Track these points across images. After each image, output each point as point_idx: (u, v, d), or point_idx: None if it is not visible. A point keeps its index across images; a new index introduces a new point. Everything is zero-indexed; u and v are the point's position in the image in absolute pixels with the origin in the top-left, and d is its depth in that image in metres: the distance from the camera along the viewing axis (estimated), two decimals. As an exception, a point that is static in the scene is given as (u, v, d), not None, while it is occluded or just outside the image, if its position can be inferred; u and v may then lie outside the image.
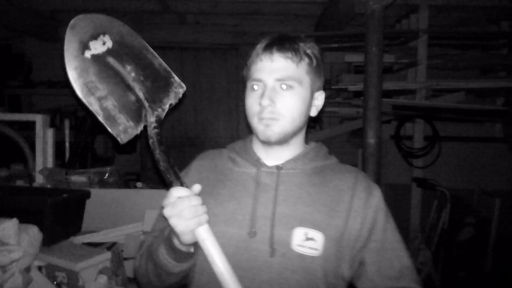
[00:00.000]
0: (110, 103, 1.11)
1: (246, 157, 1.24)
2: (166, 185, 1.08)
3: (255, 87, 1.16)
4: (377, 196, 1.17)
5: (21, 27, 4.20)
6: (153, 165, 1.28)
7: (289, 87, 1.14)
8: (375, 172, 2.71)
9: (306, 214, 1.13)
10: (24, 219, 1.60)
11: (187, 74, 5.04)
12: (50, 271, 1.67)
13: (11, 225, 1.49)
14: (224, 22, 4.69)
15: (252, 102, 1.16)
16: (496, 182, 4.04)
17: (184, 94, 1.18)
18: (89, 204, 2.15)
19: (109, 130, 1.12)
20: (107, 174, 2.40)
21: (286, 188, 1.17)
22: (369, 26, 2.62)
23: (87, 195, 2.12)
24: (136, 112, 1.13)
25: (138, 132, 1.14)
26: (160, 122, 1.13)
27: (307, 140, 1.26)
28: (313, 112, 1.22)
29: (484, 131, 4.29)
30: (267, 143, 1.17)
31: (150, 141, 1.11)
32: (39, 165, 2.38)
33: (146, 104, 1.12)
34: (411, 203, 3.94)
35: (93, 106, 1.10)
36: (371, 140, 2.68)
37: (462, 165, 4.20)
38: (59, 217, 1.80)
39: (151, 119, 1.12)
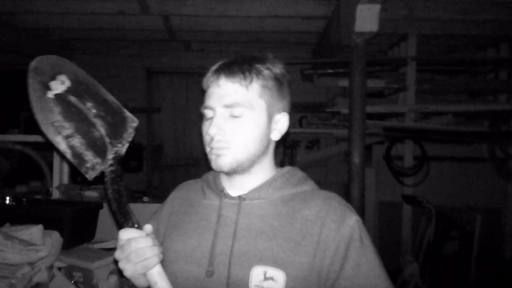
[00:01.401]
0: (77, 141, 1.12)
1: (213, 187, 1.18)
2: (119, 227, 1.05)
3: (207, 115, 1.11)
4: (350, 226, 1.05)
5: (37, 54, 4.54)
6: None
7: (239, 114, 1.07)
8: (360, 189, 2.99)
9: (267, 250, 1.03)
10: (48, 226, 1.88)
11: (192, 98, 5.37)
12: (68, 272, 1.96)
13: (37, 230, 1.79)
14: (227, 49, 5.02)
15: (204, 130, 1.12)
16: (482, 199, 4.29)
17: (136, 129, 1.15)
18: (101, 215, 2.43)
19: (78, 168, 1.13)
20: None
21: (247, 222, 1.08)
22: (353, 57, 2.94)
23: (101, 206, 2.41)
24: (102, 148, 1.13)
25: (106, 167, 1.12)
26: (118, 159, 1.12)
27: (282, 165, 1.21)
28: (275, 136, 1.14)
29: (472, 152, 4.54)
30: (221, 172, 1.11)
31: (105, 179, 1.10)
32: (56, 182, 2.69)
33: (107, 140, 1.12)
34: (402, 219, 4.19)
35: (61, 145, 1.11)
36: (356, 159, 2.96)
37: (450, 183, 4.45)
38: (77, 225, 2.10)
39: (109, 156, 1.11)
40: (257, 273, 1.01)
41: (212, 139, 1.06)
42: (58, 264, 1.96)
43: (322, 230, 1.03)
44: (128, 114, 1.14)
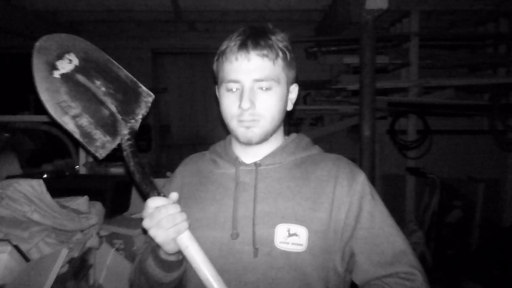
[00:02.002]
0: (85, 120, 1.11)
1: (225, 157, 1.23)
2: (144, 197, 1.07)
3: (233, 88, 1.13)
4: (360, 182, 1.14)
5: (41, 35, 4.59)
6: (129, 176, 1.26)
7: (268, 87, 1.12)
8: (370, 161, 3.15)
9: (288, 209, 1.11)
10: (91, 198, 2.03)
11: (197, 78, 5.47)
12: (109, 239, 2.11)
13: (83, 200, 1.93)
14: (231, 28, 5.07)
15: (230, 104, 1.14)
16: (483, 170, 4.48)
17: (153, 102, 1.16)
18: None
19: (87, 147, 1.12)
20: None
21: (265, 185, 1.15)
22: (363, 33, 3.07)
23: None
24: (112, 126, 1.13)
25: (116, 145, 1.14)
26: (134, 134, 1.13)
27: (287, 133, 1.27)
28: (289, 107, 1.22)
29: (473, 124, 4.71)
30: (245, 144, 1.16)
31: (124, 153, 1.11)
32: (82, 159, 2.82)
33: (119, 117, 1.12)
34: (406, 191, 4.37)
35: (69, 125, 1.10)
36: (366, 133, 3.12)
37: (452, 155, 4.63)
38: (116, 196, 2.25)
39: (124, 131, 1.12)
40: (281, 230, 1.08)
41: (242, 112, 1.11)
42: (100, 232, 2.11)
43: (336, 187, 1.12)
44: (143, 89, 1.16)
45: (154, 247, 1.10)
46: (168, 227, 0.99)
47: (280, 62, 1.13)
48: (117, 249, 2.07)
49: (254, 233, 1.09)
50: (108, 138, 1.12)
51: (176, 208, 1.01)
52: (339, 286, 1.13)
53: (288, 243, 1.07)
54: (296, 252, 1.06)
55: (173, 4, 4.10)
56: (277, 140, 1.21)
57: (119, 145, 1.12)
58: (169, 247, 1.03)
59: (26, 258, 1.49)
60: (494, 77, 4.57)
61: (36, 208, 1.59)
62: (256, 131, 1.12)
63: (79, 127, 1.11)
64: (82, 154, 2.81)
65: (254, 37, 1.11)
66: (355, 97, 4.42)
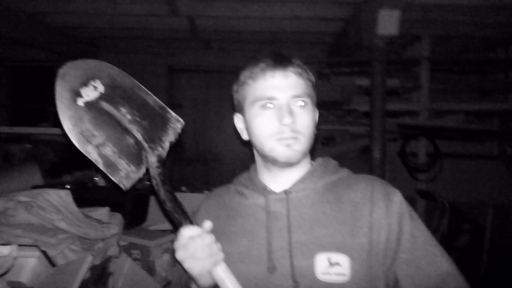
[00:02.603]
0: (109, 150, 1.08)
1: (253, 187, 1.19)
2: (175, 227, 1.05)
3: (269, 105, 1.10)
4: (398, 202, 1.09)
5: (65, 51, 4.78)
6: (159, 205, 1.27)
7: (305, 104, 1.11)
8: (380, 182, 3.24)
9: (326, 237, 1.05)
10: (111, 209, 2.15)
11: (212, 95, 5.63)
12: (127, 249, 2.22)
13: (105, 211, 2.06)
14: (245, 48, 5.27)
15: (266, 122, 1.10)
16: (492, 195, 4.54)
17: (183, 129, 1.13)
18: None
19: (111, 177, 1.09)
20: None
21: (299, 213, 1.10)
22: (374, 58, 3.20)
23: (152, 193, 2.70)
24: (136, 155, 1.10)
25: (141, 175, 1.12)
26: (162, 162, 1.11)
27: (313, 157, 1.24)
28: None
29: (483, 149, 4.78)
30: (284, 165, 1.12)
31: (154, 182, 1.08)
32: (162, 169, 2.94)
33: (146, 145, 1.09)
34: (416, 213, 4.44)
35: (92, 154, 1.07)
36: (376, 154, 3.23)
37: (462, 179, 4.70)
38: (135, 208, 2.38)
39: (152, 159, 1.09)
40: (321, 260, 1.02)
41: (282, 130, 1.07)
42: (119, 242, 2.22)
43: (373, 210, 1.07)
44: (172, 114, 1.13)
45: (187, 282, 1.09)
46: (204, 258, 0.96)
47: (310, 82, 1.15)
48: (134, 259, 2.18)
49: (292, 265, 1.04)
50: (132, 168, 1.10)
51: (211, 238, 0.99)
52: None
53: (330, 274, 1.01)
54: (340, 283, 1.00)
55: (190, 24, 4.27)
56: (305, 165, 1.18)
57: (147, 173, 1.10)
58: (204, 280, 1.00)
59: (53, 264, 1.61)
60: (504, 102, 4.67)
61: (63, 217, 1.71)
62: (297, 149, 1.09)
63: (103, 156, 1.08)
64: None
65: (288, 57, 1.13)
66: (366, 118, 4.53)
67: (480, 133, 4.52)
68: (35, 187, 2.20)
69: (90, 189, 2.57)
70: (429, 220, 4.28)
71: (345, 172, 1.20)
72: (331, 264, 1.02)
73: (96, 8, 3.86)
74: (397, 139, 4.74)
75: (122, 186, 1.10)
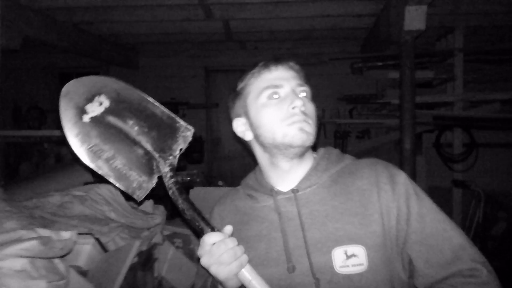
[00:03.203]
0: (119, 162, 1.09)
1: (260, 189, 1.21)
2: (196, 234, 1.19)
3: (275, 95, 1.13)
4: (402, 183, 1.12)
5: (106, 57, 5.06)
6: (179, 214, 1.25)
7: (308, 92, 1.17)
8: (411, 173, 3.32)
9: (339, 230, 1.08)
10: (154, 201, 2.37)
11: (247, 93, 5.83)
12: (170, 238, 2.44)
13: (149, 203, 2.29)
14: (279, 46, 5.42)
15: (275, 110, 1.12)
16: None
17: (193, 136, 1.14)
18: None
19: (124, 189, 1.11)
20: (195, 175, 3.19)
21: (309, 210, 1.13)
22: (403, 52, 3.28)
23: (191, 186, 2.95)
24: (147, 166, 1.11)
25: (154, 184, 1.13)
26: (174, 170, 1.12)
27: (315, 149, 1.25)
28: None
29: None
30: (298, 151, 1.13)
31: (170, 192, 1.09)
32: (176, 177, 3.18)
33: (156, 155, 1.11)
34: (452, 203, 4.48)
35: (103, 169, 1.08)
36: (407, 145, 3.32)
37: (497, 168, 4.69)
38: (175, 200, 2.60)
39: (165, 169, 1.10)
40: (338, 254, 1.05)
41: (293, 113, 1.10)
42: (163, 231, 2.44)
43: (380, 195, 1.10)
44: (181, 123, 1.14)
45: (212, 287, 1.11)
46: (230, 262, 0.98)
47: (308, 83, 1.19)
48: (176, 247, 2.40)
49: (311, 262, 1.07)
50: (144, 178, 1.11)
51: (234, 242, 1.00)
52: None
53: (348, 265, 1.04)
54: (358, 273, 1.04)
55: (224, 26, 4.47)
56: (309, 160, 1.20)
57: (162, 183, 1.11)
58: (231, 283, 1.02)
59: (105, 249, 1.83)
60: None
61: (113, 208, 1.94)
62: (310, 131, 1.11)
63: (114, 170, 1.09)
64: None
65: (284, 58, 1.18)
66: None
67: (517, 122, 4.49)
68: (87, 183, 2.45)
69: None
70: (465, 209, 4.31)
71: (348, 160, 1.22)
72: (348, 256, 1.05)
73: (136, 16, 4.11)
74: (433, 130, 4.79)
75: (135, 197, 1.12)
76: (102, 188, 1.99)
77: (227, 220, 1.22)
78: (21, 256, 1.16)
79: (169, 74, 5.61)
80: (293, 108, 1.10)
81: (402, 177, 1.13)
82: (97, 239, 1.80)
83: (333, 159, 1.21)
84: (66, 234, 1.40)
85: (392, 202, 1.09)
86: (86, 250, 1.77)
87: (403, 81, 3.29)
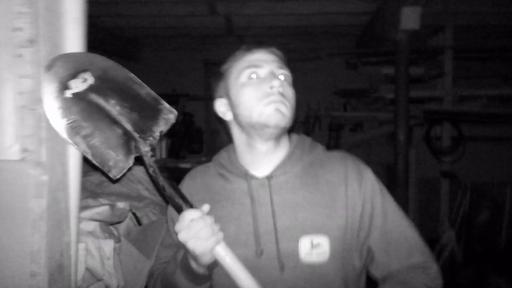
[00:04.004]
0: (97, 140, 1.10)
1: (234, 170, 1.23)
2: (177, 210, 1.10)
3: (253, 75, 1.16)
4: (369, 179, 1.20)
5: (110, 49, 5.21)
6: (158, 192, 1.29)
7: (287, 76, 1.20)
8: (404, 164, 3.63)
9: (307, 220, 1.14)
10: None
11: (244, 86, 6.07)
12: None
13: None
14: (276, 41, 5.67)
15: (254, 88, 1.15)
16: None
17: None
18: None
19: (100, 167, 1.12)
20: (202, 162, 3.45)
21: (281, 198, 1.17)
22: (398, 50, 3.57)
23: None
24: (124, 145, 1.12)
25: (131, 164, 1.14)
26: (154, 150, 1.14)
27: (328, 147, 1.30)
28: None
29: (504, 132, 5.10)
30: (273, 131, 1.15)
31: (150, 170, 1.12)
32: (156, 156, 3.43)
33: (136, 135, 1.12)
34: (440, 193, 4.82)
35: (80, 145, 1.09)
36: (401, 138, 3.61)
37: (484, 160, 5.04)
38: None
39: (145, 148, 1.12)
40: (304, 243, 1.12)
41: (270, 93, 1.13)
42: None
43: (347, 190, 1.17)
44: (164, 106, 1.17)
45: (183, 261, 1.15)
46: (207, 237, 1.03)
47: (288, 69, 1.23)
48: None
49: (278, 249, 1.13)
50: (121, 157, 1.12)
51: (211, 219, 1.05)
52: (357, 279, 1.20)
53: (312, 254, 1.12)
54: (320, 262, 1.12)
55: (226, 21, 4.70)
56: (284, 147, 1.24)
57: (143, 163, 1.14)
58: (206, 258, 1.07)
59: (139, 222, 2.08)
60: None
61: (146, 187, 2.19)
62: (285, 112, 1.14)
63: (91, 147, 1.10)
64: (156, 152, 3.44)
65: (267, 44, 1.23)
66: (392, 105, 4.89)
67: (502, 117, 4.80)
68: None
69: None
70: (452, 198, 4.65)
71: (319, 149, 1.27)
72: (313, 246, 1.12)
73: (142, 11, 4.33)
74: (423, 124, 5.10)
75: (111, 175, 1.13)
76: (136, 170, 2.23)
77: (197, 197, 1.22)
78: (93, 220, 1.42)
79: (170, 67, 5.85)
80: (271, 88, 1.13)
81: (369, 174, 1.21)
82: (134, 214, 2.04)
83: (306, 149, 1.26)
84: (121, 204, 1.65)
85: (358, 198, 1.17)
86: (124, 225, 2.01)
87: (398, 77, 3.59)
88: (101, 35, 4.91)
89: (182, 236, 1.04)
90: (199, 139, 5.69)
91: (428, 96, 4.91)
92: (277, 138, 1.19)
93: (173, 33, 5.17)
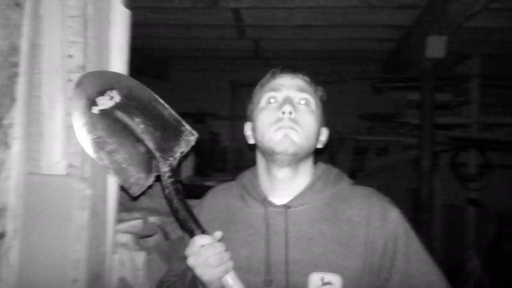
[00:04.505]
0: (120, 157, 1.13)
1: (254, 194, 1.22)
2: (188, 234, 1.10)
3: (272, 100, 1.16)
4: (393, 221, 1.13)
5: (141, 68, 5.39)
6: (172, 213, 1.30)
7: (308, 102, 1.17)
8: (429, 190, 3.64)
9: (321, 256, 1.09)
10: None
11: (269, 108, 6.19)
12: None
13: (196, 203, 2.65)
14: (303, 64, 5.77)
15: (268, 114, 1.15)
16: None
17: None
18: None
19: (120, 183, 1.15)
20: (226, 181, 3.55)
21: (297, 229, 1.14)
22: (423, 76, 3.63)
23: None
24: (146, 163, 1.14)
25: (150, 182, 1.16)
26: (173, 171, 1.14)
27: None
28: (319, 144, 1.24)
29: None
30: (281, 158, 1.13)
31: (166, 191, 1.12)
32: (183, 174, 3.56)
33: (157, 155, 1.14)
34: (466, 220, 4.79)
35: (103, 161, 1.12)
36: (426, 163, 3.63)
37: (510, 188, 4.98)
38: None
39: (164, 169, 1.13)
40: (314, 279, 1.08)
41: (281, 118, 1.12)
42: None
43: (368, 230, 1.12)
44: (186, 127, 1.20)
45: (192, 282, 1.12)
46: (216, 266, 1.02)
47: (318, 95, 1.22)
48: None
49: (287, 281, 1.09)
50: (141, 175, 1.15)
51: (222, 247, 1.05)
52: None
53: None
54: None
55: (254, 45, 4.84)
56: (305, 175, 1.21)
57: (161, 183, 1.14)
58: (213, 286, 1.05)
59: (168, 238, 2.18)
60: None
61: (173, 204, 2.32)
62: (294, 139, 1.12)
63: (114, 162, 1.14)
64: (183, 170, 3.56)
65: (296, 67, 1.23)
66: (417, 130, 4.92)
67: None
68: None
69: (184, 186, 3.19)
70: (478, 226, 4.61)
71: (344, 183, 1.24)
72: (324, 283, 1.07)
73: (173, 33, 4.49)
74: (449, 150, 5.09)
75: (131, 192, 1.16)
76: (164, 186, 2.36)
77: (215, 214, 1.25)
78: (127, 232, 1.52)
79: (197, 87, 6.03)
80: (283, 113, 1.12)
81: (394, 215, 1.15)
82: (162, 228, 2.14)
83: (330, 181, 1.22)
84: (152, 219, 1.75)
85: (379, 239, 1.11)
86: (154, 239, 2.11)
87: (423, 103, 3.64)
88: (133, 56, 5.09)
89: (191, 262, 1.04)
90: (224, 158, 5.81)
91: (454, 122, 4.92)
92: (293, 165, 1.16)
93: (201, 54, 5.33)
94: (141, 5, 3.34)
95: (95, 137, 1.13)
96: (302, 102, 1.16)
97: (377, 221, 1.12)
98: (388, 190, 4.81)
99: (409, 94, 5.07)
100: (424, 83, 3.61)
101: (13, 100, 1.12)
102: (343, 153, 5.80)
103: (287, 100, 1.14)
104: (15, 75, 1.13)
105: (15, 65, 1.13)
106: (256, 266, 1.13)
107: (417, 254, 1.13)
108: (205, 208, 1.30)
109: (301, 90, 1.17)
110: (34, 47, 1.19)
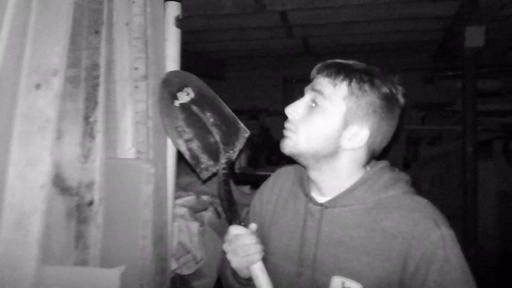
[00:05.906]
0: (195, 145, 1.26)
1: (302, 187, 1.27)
2: (228, 222, 1.19)
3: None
4: (434, 243, 1.03)
5: (199, 70, 5.78)
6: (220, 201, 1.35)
7: (317, 106, 1.13)
8: (473, 176, 3.79)
9: (345, 262, 1.10)
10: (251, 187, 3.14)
11: (322, 102, 6.45)
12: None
13: (247, 188, 3.04)
14: (352, 58, 5.95)
15: None
16: None
17: (248, 139, 1.24)
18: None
19: (194, 167, 1.28)
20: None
21: (329, 230, 1.15)
22: (465, 64, 3.79)
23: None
24: (215, 153, 1.26)
25: (216, 170, 1.26)
26: (230, 164, 1.23)
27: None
28: (347, 145, 1.14)
29: None
30: (297, 160, 1.20)
31: (218, 180, 1.22)
32: (237, 165, 3.97)
33: (221, 146, 1.24)
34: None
35: (181, 147, 1.26)
36: (469, 149, 3.79)
37: None
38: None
39: (222, 160, 1.23)
40: (336, 282, 1.10)
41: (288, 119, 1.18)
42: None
43: (402, 246, 1.04)
44: (241, 125, 1.29)
45: (223, 268, 1.29)
46: (242, 256, 1.10)
47: (343, 90, 1.12)
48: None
49: (313, 277, 1.15)
50: (211, 162, 1.28)
51: (251, 240, 1.12)
52: None
53: None
54: None
55: (303, 43, 5.13)
56: (344, 177, 1.18)
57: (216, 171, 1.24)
58: (242, 273, 1.17)
59: (220, 216, 2.57)
60: None
61: (226, 188, 2.72)
62: (288, 140, 1.16)
63: (190, 149, 1.28)
64: (237, 161, 3.97)
65: (330, 63, 1.18)
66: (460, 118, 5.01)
67: None
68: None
69: (236, 175, 3.59)
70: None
71: (394, 191, 1.16)
72: None
73: (227, 36, 4.87)
74: (503, 137, 5.14)
75: (201, 176, 1.29)
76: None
77: (274, 196, 1.33)
78: (184, 206, 1.91)
79: (251, 85, 6.40)
80: (288, 112, 1.18)
81: (436, 237, 1.04)
82: (215, 208, 2.54)
83: (377, 187, 1.16)
84: (204, 197, 2.15)
85: (413, 258, 1.04)
86: (207, 215, 2.50)
87: (465, 90, 3.80)
88: (192, 59, 5.57)
89: (224, 248, 1.16)
90: (278, 151, 6.12)
91: (501, 109, 4.98)
92: (312, 166, 1.18)
93: (254, 54, 5.70)
94: (197, 13, 3.73)
95: (176, 126, 1.30)
96: (313, 104, 1.15)
97: (415, 239, 1.04)
98: (442, 179, 4.96)
99: (459, 83, 5.16)
100: (465, 72, 3.77)
101: (96, 103, 1.52)
102: (396, 143, 5.95)
103: (297, 102, 1.19)
104: (97, 84, 1.52)
105: (97, 77, 1.52)
106: (291, 255, 1.20)
107: (451, 283, 1.01)
108: (268, 185, 1.40)
109: (316, 88, 1.15)
110: (109, 63, 1.61)
